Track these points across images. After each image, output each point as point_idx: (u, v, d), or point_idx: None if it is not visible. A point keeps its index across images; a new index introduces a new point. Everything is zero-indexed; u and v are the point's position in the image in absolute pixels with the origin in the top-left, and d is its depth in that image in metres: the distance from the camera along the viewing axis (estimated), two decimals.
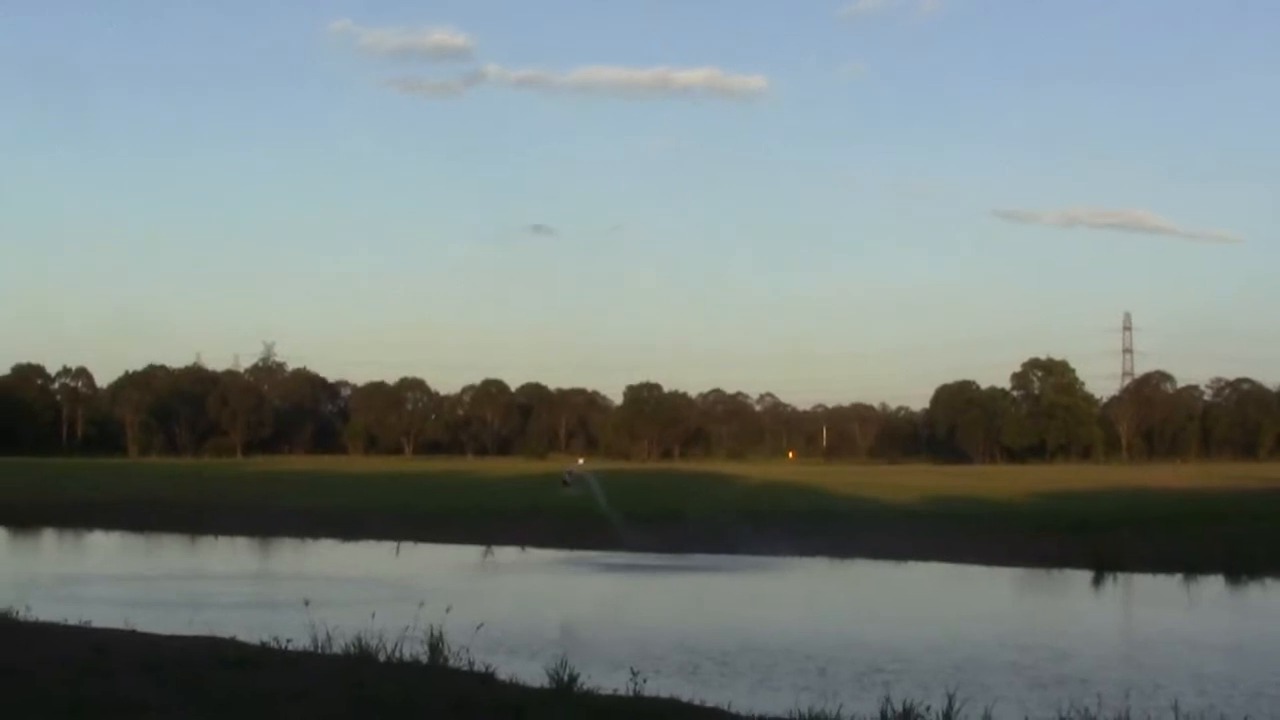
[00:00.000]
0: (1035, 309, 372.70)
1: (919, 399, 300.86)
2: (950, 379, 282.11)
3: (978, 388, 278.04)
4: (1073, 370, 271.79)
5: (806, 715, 19.08)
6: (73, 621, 29.04)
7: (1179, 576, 50.01)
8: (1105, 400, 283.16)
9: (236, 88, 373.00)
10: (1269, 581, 48.54)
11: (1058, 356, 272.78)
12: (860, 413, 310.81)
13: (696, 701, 21.08)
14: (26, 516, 78.09)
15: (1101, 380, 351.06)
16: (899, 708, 19.59)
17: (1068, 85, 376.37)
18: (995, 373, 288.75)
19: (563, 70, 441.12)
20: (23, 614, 29.38)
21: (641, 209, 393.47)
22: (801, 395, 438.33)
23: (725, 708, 20.70)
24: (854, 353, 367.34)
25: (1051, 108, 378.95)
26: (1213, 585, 48.48)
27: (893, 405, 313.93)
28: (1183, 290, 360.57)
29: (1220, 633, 36.90)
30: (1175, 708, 19.07)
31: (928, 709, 19.60)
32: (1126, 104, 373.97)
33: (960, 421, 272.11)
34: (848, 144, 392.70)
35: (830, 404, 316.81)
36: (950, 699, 19.90)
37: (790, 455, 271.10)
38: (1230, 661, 30.47)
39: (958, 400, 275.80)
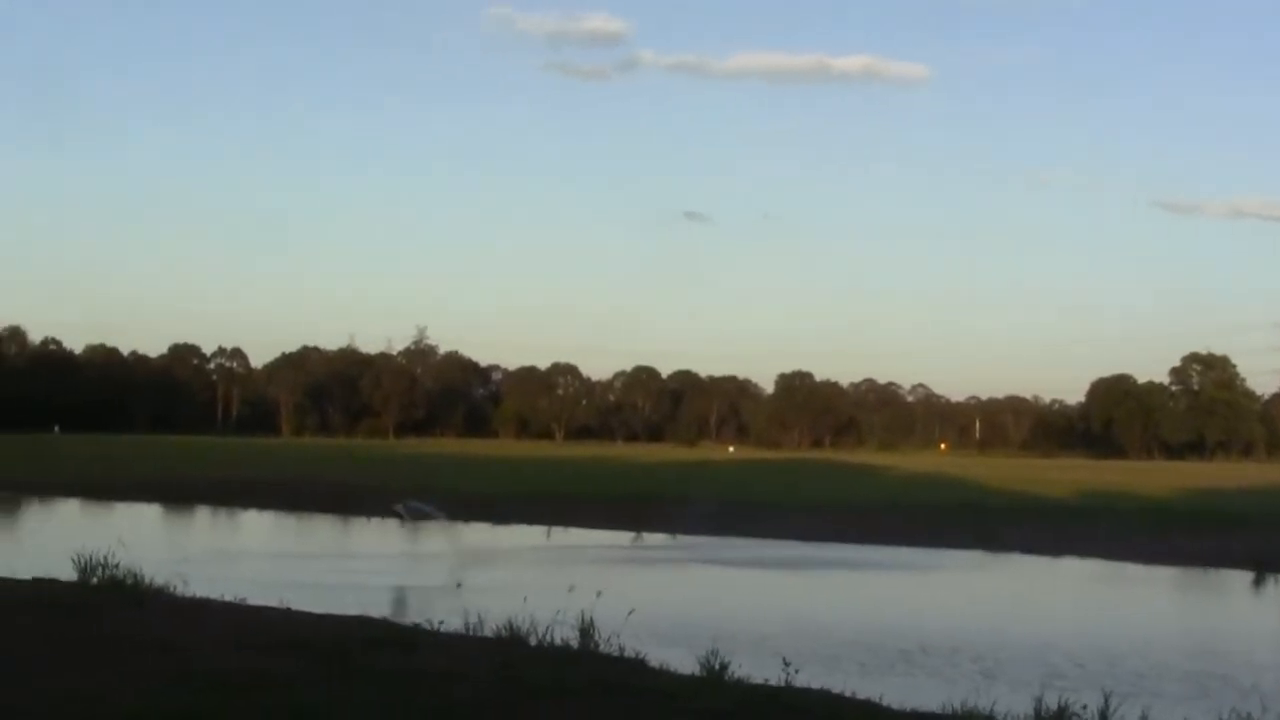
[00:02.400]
0: (1196, 303, 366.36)
1: (1074, 392, 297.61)
2: (1106, 372, 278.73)
3: (1135, 382, 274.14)
4: (1234, 366, 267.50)
5: (959, 711, 18.86)
6: (228, 598, 29.33)
7: None
8: (1267, 397, 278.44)
9: (391, 71, 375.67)
10: None
11: (1218, 352, 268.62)
12: (1014, 405, 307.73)
13: (848, 693, 20.91)
14: (183, 494, 79.16)
15: (1264, 376, 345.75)
16: (1053, 706, 19.30)
17: (1236, 74, 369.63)
18: (1153, 367, 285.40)
19: (718, 56, 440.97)
20: (180, 589, 29.72)
21: (795, 196, 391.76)
22: (954, 386, 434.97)
23: (877, 700, 20.52)
24: (1008, 344, 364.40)
25: (1219, 97, 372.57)
26: None
27: (1047, 398, 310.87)
28: None
29: None
30: None
31: (1084, 708, 19.29)
32: None
33: (1117, 415, 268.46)
34: (1007, 133, 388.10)
35: (984, 395, 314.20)
36: (1107, 698, 19.58)
37: (943, 447, 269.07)
38: None
39: (1114, 394, 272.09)
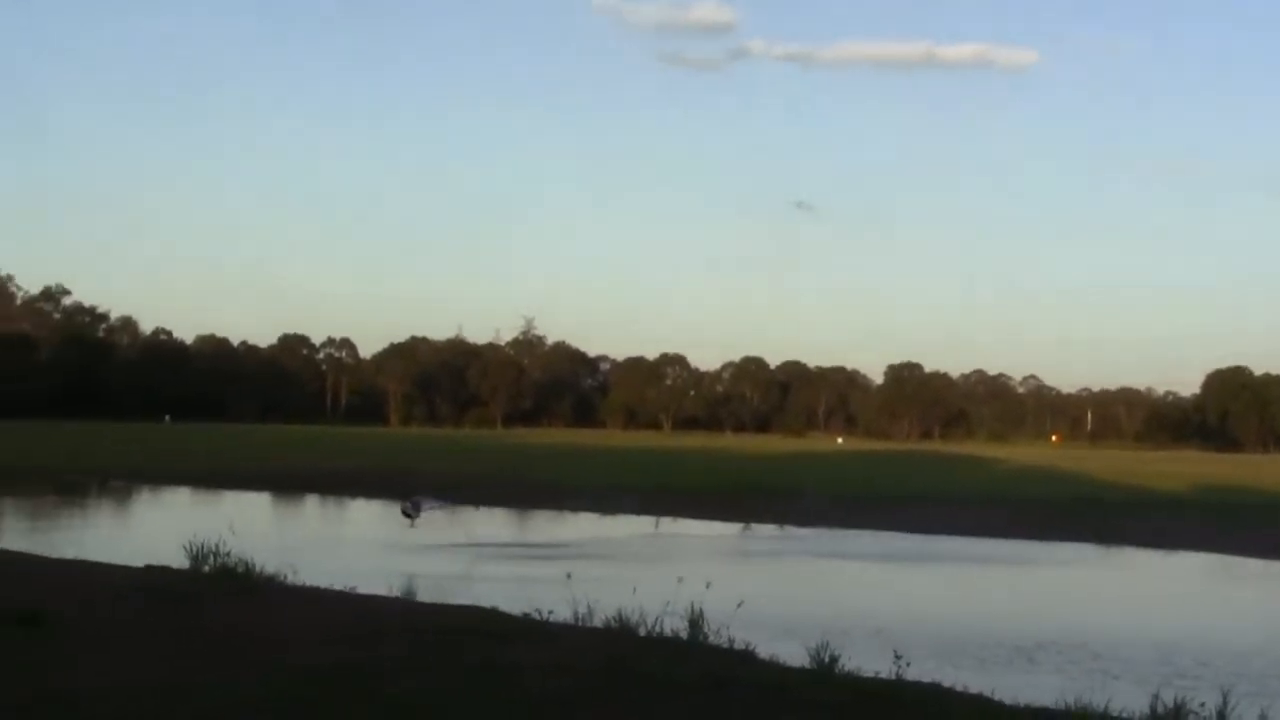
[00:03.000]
0: None
1: (1189, 384, 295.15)
2: (1222, 364, 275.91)
3: (1252, 374, 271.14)
4: None
5: (1073, 707, 18.54)
6: (339, 587, 29.41)
7: None
8: None
9: (502, 62, 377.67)
10: None
11: None
12: (1127, 396, 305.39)
13: (959, 687, 20.66)
14: (292, 483, 79.68)
15: None
16: (1170, 703, 18.93)
17: None
18: (1270, 359, 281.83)
19: (826, 45, 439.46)
20: (290, 578, 29.82)
21: (904, 185, 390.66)
22: (1065, 378, 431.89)
23: (989, 694, 20.25)
24: (1121, 335, 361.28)
25: None
26: None
27: (1160, 390, 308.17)
28: None
29: None
30: None
31: (1201, 705, 18.92)
32: None
33: (1233, 408, 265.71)
34: (1120, 120, 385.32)
35: (1095, 387, 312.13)
36: (1225, 697, 19.18)
37: (1055, 439, 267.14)
38: None
39: (1230, 386, 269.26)
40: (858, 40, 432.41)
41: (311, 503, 72.91)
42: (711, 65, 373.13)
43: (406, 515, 54.69)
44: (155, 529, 53.04)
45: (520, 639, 21.95)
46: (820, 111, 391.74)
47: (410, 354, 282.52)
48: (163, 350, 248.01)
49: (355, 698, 15.86)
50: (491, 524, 62.17)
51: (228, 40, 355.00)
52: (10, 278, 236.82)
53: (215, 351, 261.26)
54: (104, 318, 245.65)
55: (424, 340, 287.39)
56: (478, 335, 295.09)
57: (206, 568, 29.85)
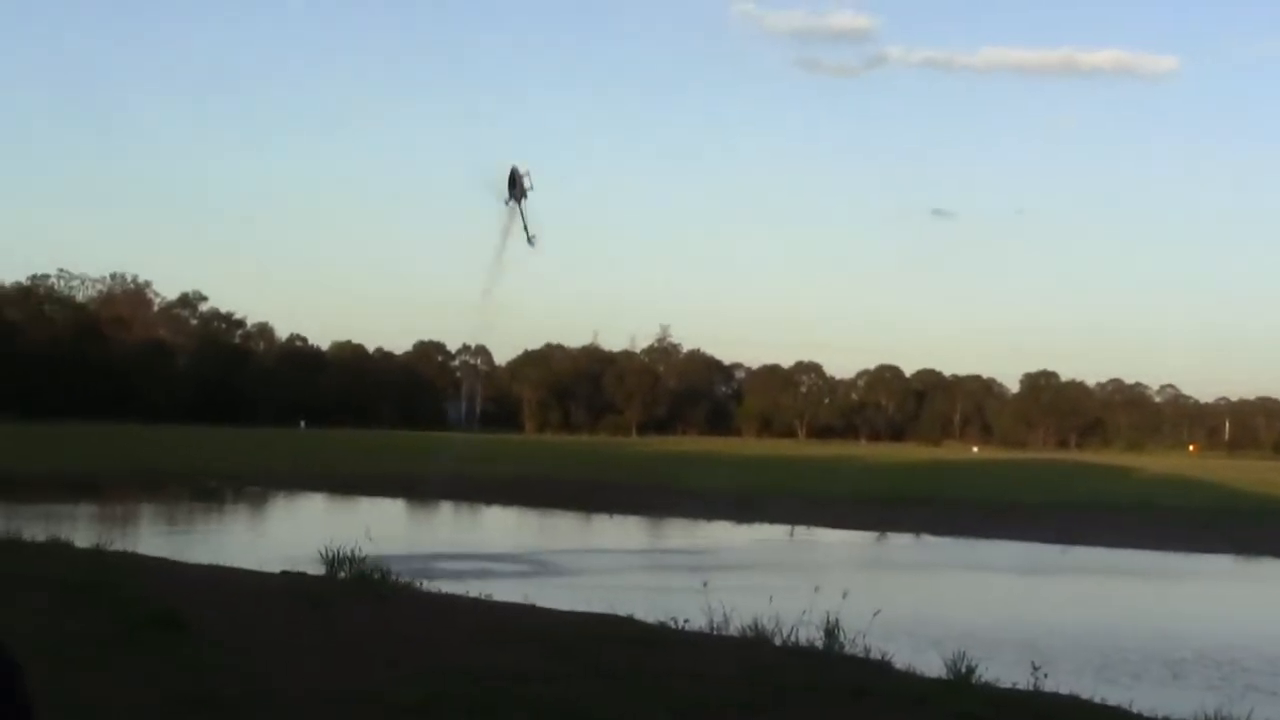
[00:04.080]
0: None
1: None
2: None
3: None
4: None
5: (1213, 718, 18.50)
6: (474, 594, 29.71)
7: None
8: None
9: (637, 67, 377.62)
10: None
11: None
12: (1267, 406, 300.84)
13: (1097, 699, 20.63)
14: (428, 490, 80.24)
15: None
16: None
17: None
18: None
19: (965, 51, 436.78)
20: (425, 585, 30.13)
21: (1043, 192, 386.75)
22: (1203, 387, 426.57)
23: (1128, 707, 20.23)
24: (1261, 343, 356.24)
25: None
26: None
27: None
28: None
29: None
30: None
31: None
32: None
33: None
34: (1259, 124, 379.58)
35: (1234, 396, 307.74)
36: None
37: (1192, 448, 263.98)
38: None
39: None
40: (996, 46, 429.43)
41: (446, 509, 73.37)
42: (849, 72, 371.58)
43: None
44: (291, 535, 53.63)
45: (658, 647, 22.13)
46: (958, 118, 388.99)
47: (545, 361, 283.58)
48: (299, 357, 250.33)
49: (506, 701, 16.09)
50: (626, 531, 62.48)
51: (371, 48, 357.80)
52: (148, 284, 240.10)
53: (351, 358, 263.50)
54: (240, 324, 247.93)
55: (559, 348, 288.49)
56: (613, 343, 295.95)
57: (342, 574, 30.20)
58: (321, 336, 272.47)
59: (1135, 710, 19.99)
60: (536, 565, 45.13)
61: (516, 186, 42.05)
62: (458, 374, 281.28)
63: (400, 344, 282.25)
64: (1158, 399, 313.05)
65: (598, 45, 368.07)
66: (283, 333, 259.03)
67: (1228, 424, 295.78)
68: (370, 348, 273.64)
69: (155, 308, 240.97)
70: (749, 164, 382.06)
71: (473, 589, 30.76)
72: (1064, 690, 20.99)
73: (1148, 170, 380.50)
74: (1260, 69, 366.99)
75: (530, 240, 41.35)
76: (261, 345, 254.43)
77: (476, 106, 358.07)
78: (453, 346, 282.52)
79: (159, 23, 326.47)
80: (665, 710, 16.18)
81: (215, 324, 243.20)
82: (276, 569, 33.29)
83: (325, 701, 16.00)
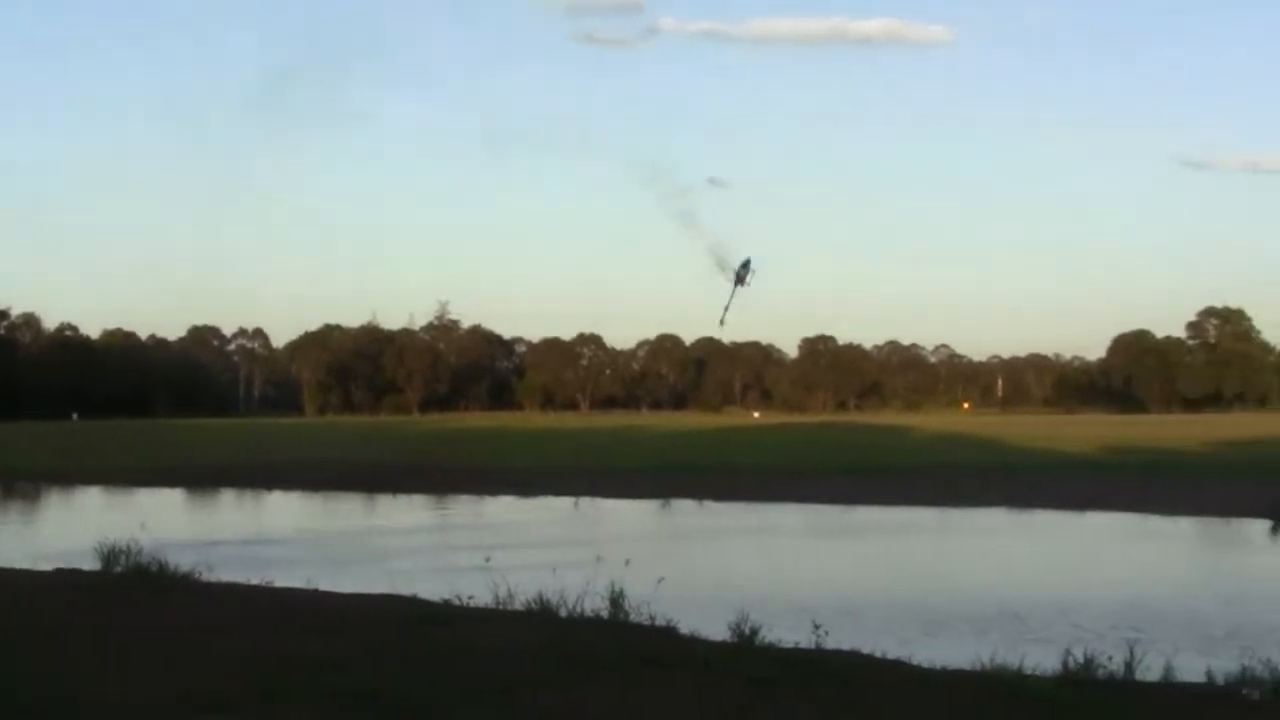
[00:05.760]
0: (1213, 257, 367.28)
1: (1095, 349, 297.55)
2: (1127, 328, 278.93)
3: (1154, 337, 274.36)
4: (1249, 318, 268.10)
5: (989, 667, 18.98)
6: (255, 581, 29.46)
7: None
8: None
9: (413, 42, 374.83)
10: None
11: (1234, 305, 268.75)
12: (1036, 363, 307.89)
13: (878, 654, 21.07)
14: (205, 478, 79.16)
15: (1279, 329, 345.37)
16: (1080, 659, 19.43)
17: (1256, 30, 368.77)
18: (1172, 322, 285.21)
19: (738, 22, 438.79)
20: (206, 576, 29.79)
21: (817, 160, 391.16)
22: (977, 346, 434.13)
23: (907, 659, 20.70)
24: (1030, 302, 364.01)
25: (1238, 54, 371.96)
26: None
27: (1068, 355, 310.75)
28: None
29: None
30: None
31: (1109, 659, 19.42)
32: None
33: (1136, 371, 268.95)
34: (1029, 92, 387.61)
35: (1005, 354, 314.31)
36: (1131, 650, 19.70)
37: (965, 406, 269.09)
38: None
39: (1134, 349, 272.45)
40: (769, 16, 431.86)
41: (226, 497, 72.48)
42: (623, 43, 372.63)
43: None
44: (65, 530, 52.39)
45: (446, 625, 22.16)
46: (732, 88, 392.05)
47: (324, 342, 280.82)
48: (69, 347, 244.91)
49: (293, 688, 15.99)
50: (410, 511, 62.23)
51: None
52: None
53: (124, 346, 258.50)
54: (4, 315, 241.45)
55: (338, 328, 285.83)
56: (392, 321, 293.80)
57: (119, 568, 29.64)
58: (92, 326, 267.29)
59: (915, 662, 20.44)
60: (320, 549, 44.71)
61: (742, 272, 42.49)
62: (235, 358, 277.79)
63: (174, 330, 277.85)
64: (933, 359, 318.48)
65: (376, 19, 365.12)
66: (51, 322, 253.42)
67: (1000, 382, 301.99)
68: (143, 335, 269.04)
69: None
70: (525, 137, 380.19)
71: (254, 576, 30.43)
72: (846, 647, 21.41)
73: (920, 137, 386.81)
74: (1030, 39, 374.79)
75: (722, 322, 42.57)
76: (29, 336, 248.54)
77: (235, 87, 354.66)
78: (228, 331, 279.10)
79: None
80: (455, 688, 16.23)
81: None
82: (50, 566, 32.74)
83: (104, 701, 15.74)
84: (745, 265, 43.67)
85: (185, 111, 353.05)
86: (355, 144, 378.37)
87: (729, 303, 41.78)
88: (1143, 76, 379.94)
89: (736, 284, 43.11)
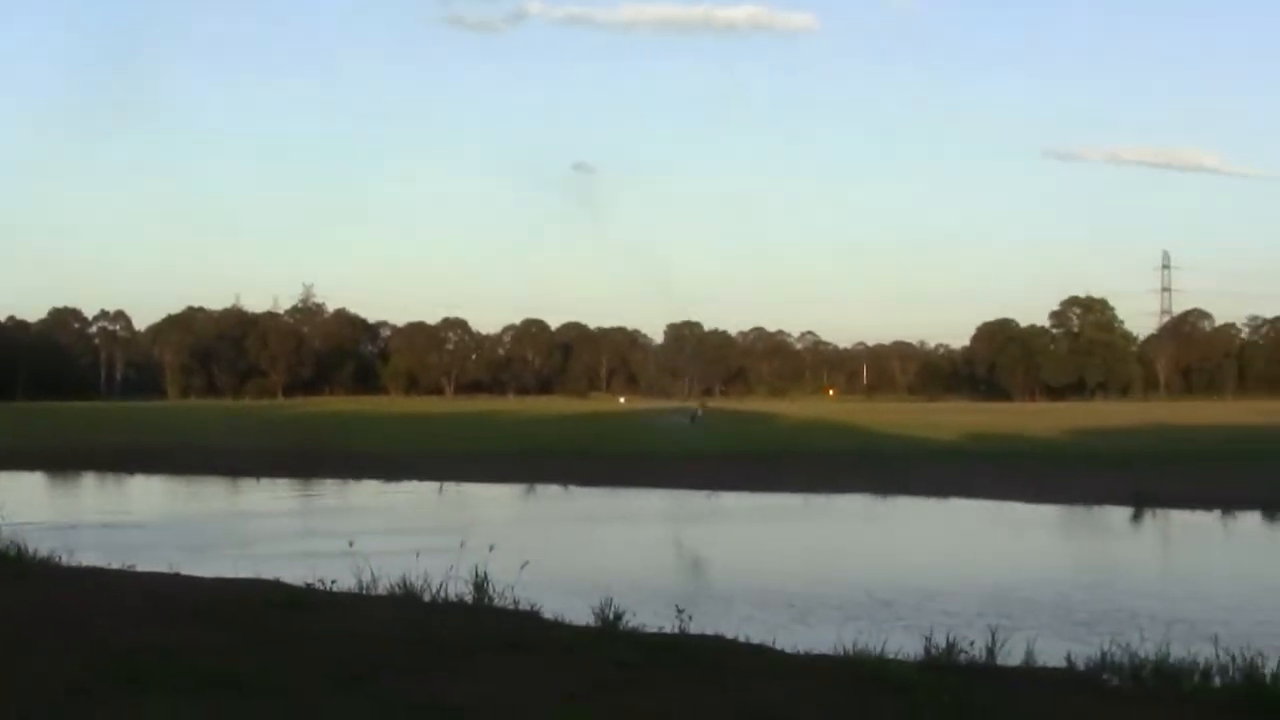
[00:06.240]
0: (1077, 247, 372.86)
1: (960, 337, 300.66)
2: (991, 317, 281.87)
3: (1018, 325, 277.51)
4: (1112, 308, 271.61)
5: (851, 651, 19.08)
6: (116, 566, 29.12)
7: (1217, 513, 49.99)
8: (1144, 338, 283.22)
9: (275, 23, 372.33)
10: None
11: (1098, 294, 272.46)
12: (901, 350, 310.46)
13: (741, 639, 21.15)
14: (67, 461, 78.18)
15: (1141, 318, 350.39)
16: (942, 644, 19.60)
17: (1121, 20, 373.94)
18: (1036, 311, 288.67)
19: (605, 7, 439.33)
20: (66, 560, 29.41)
21: (684, 147, 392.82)
22: (842, 333, 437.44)
23: (770, 644, 20.78)
24: (895, 290, 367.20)
25: (1103, 44, 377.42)
26: (1250, 520, 48.46)
27: (933, 343, 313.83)
28: (1224, 229, 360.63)
29: (1259, 568, 36.85)
30: (1215, 640, 19.01)
31: (971, 644, 19.60)
32: (1179, 40, 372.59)
33: (1000, 359, 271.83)
34: (895, 81, 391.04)
35: (871, 342, 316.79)
36: (993, 635, 19.91)
37: (830, 393, 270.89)
38: (1268, 594, 30.48)
39: (998, 338, 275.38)
40: (636, 2, 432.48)
41: (88, 481, 71.66)
42: (491, 28, 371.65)
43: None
44: None
45: (308, 609, 22.00)
46: (599, 74, 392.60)
47: (186, 325, 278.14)
48: None
49: (156, 674, 15.74)
50: (273, 495, 61.79)
51: None
52: None
53: None
54: None
55: (201, 310, 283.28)
56: (256, 304, 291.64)
57: None
58: None
59: (779, 647, 20.53)
60: (183, 533, 44.30)
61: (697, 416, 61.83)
62: (96, 341, 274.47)
63: (34, 312, 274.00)
64: (798, 346, 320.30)
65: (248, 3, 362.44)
66: None
67: (865, 369, 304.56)
68: (2, 317, 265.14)
69: None
70: (391, 120, 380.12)
71: (116, 560, 30.09)
72: (710, 632, 21.46)
73: (785, 125, 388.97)
74: (895, 28, 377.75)
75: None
76: None
77: (106, 66, 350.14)
78: (90, 312, 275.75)
79: None
80: (319, 673, 16.09)
81: None
82: None
83: None
84: (695, 414, 58.66)
85: (42, 90, 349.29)
86: (219, 125, 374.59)
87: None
88: (1008, 67, 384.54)
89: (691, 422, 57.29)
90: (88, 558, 30.84)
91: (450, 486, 62.64)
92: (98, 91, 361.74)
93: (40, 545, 29.63)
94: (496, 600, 23.46)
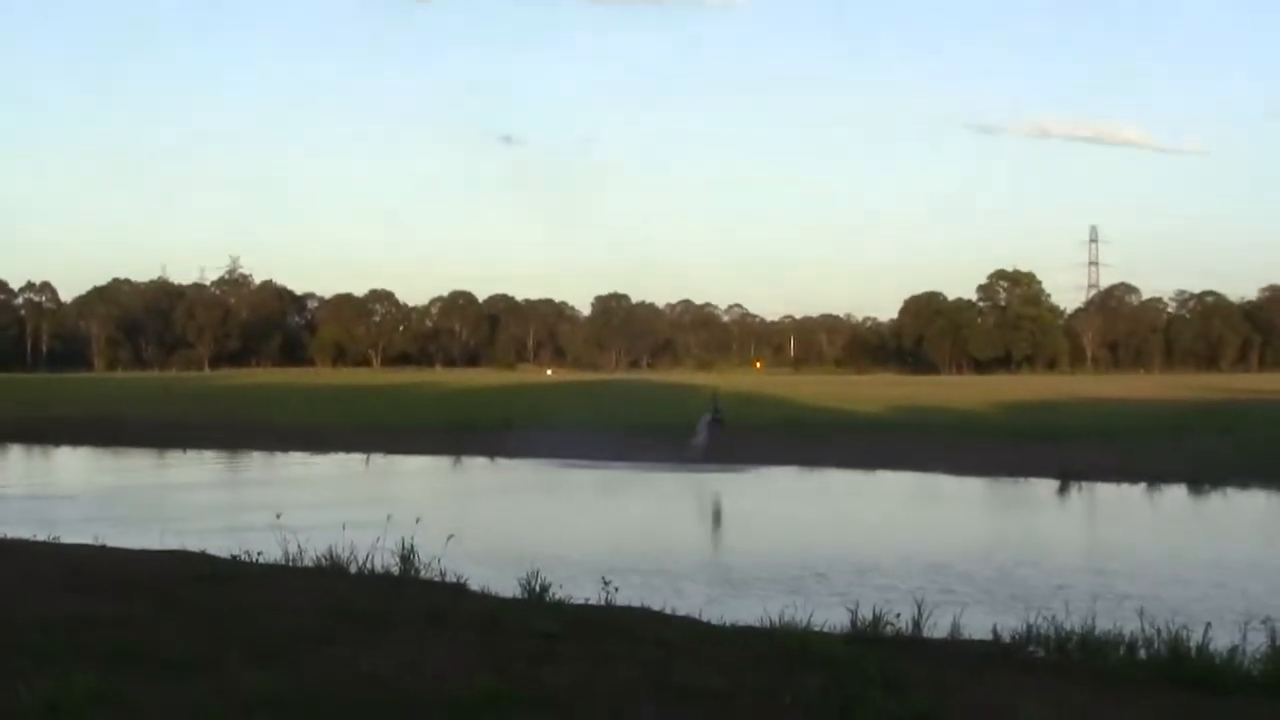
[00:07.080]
0: (1004, 221, 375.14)
1: (887, 310, 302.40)
2: (918, 290, 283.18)
3: (945, 299, 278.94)
4: (1039, 282, 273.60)
5: (776, 623, 19.14)
6: (40, 538, 28.94)
7: (1143, 485, 50.36)
8: (1071, 312, 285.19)
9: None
10: (1230, 490, 48.82)
11: (1024, 268, 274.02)
12: (828, 323, 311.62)
13: (668, 610, 21.21)
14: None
15: (1067, 292, 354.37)
16: (868, 616, 19.70)
17: None
18: (963, 284, 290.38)
19: None
20: None
21: (611, 119, 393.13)
22: (770, 306, 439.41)
23: (697, 615, 20.85)
24: (822, 264, 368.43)
25: (1025, 18, 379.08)
26: (1176, 494, 48.81)
27: (860, 316, 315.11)
28: (1150, 203, 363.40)
29: (1185, 541, 37.12)
30: (1141, 613, 19.17)
31: (897, 616, 19.71)
32: (1101, 14, 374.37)
33: (927, 332, 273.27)
34: (820, 55, 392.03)
35: (798, 315, 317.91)
36: (919, 607, 20.02)
37: (757, 365, 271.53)
38: (1193, 567, 30.71)
39: (925, 311, 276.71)
40: None
41: (12, 454, 71.12)
42: None
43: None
44: None
45: (234, 582, 21.93)
46: (526, 45, 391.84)
47: (113, 297, 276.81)
48: None
49: (76, 647, 15.64)
50: (200, 467, 61.50)
51: None
52: None
53: None
54: None
55: (127, 282, 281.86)
56: (183, 276, 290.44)
57: None
58: None
59: (705, 619, 20.60)
60: (108, 505, 44.05)
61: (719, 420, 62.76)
62: (22, 312, 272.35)
63: None
64: (726, 319, 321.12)
65: None
66: None
67: (792, 341, 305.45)
68: None
69: None
70: (316, 91, 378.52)
71: (40, 532, 29.94)
72: (636, 603, 21.49)
73: (710, 95, 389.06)
74: (818, 2, 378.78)
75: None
76: None
77: (30, 33, 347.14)
78: (15, 284, 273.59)
79: None
80: (242, 645, 16.01)
81: None
82: None
83: None
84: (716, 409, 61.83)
85: None
86: (144, 95, 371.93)
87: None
88: (935, 41, 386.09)
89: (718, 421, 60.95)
90: (10, 530, 30.63)
91: (377, 459, 62.50)
92: (20, 62, 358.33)
93: None
94: (423, 572, 23.47)
